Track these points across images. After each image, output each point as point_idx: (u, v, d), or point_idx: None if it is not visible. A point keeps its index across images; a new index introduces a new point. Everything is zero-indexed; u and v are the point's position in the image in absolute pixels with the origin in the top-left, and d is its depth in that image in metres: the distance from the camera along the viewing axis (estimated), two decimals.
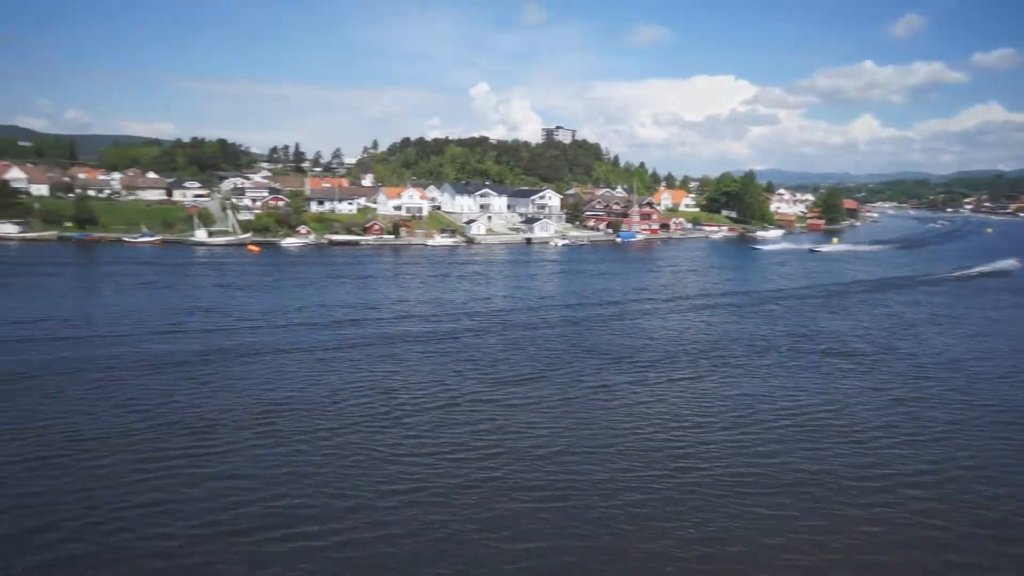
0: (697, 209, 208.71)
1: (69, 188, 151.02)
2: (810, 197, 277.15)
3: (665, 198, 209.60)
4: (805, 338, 55.89)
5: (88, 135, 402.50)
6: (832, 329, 59.97)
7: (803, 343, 54.06)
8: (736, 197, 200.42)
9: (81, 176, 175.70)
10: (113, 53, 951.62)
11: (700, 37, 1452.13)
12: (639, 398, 39.27)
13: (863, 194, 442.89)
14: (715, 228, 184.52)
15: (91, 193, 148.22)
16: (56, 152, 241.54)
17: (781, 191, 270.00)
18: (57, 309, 59.58)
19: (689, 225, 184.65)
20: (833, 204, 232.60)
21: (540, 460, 30.17)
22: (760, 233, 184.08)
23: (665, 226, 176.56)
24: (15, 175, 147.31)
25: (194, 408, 35.08)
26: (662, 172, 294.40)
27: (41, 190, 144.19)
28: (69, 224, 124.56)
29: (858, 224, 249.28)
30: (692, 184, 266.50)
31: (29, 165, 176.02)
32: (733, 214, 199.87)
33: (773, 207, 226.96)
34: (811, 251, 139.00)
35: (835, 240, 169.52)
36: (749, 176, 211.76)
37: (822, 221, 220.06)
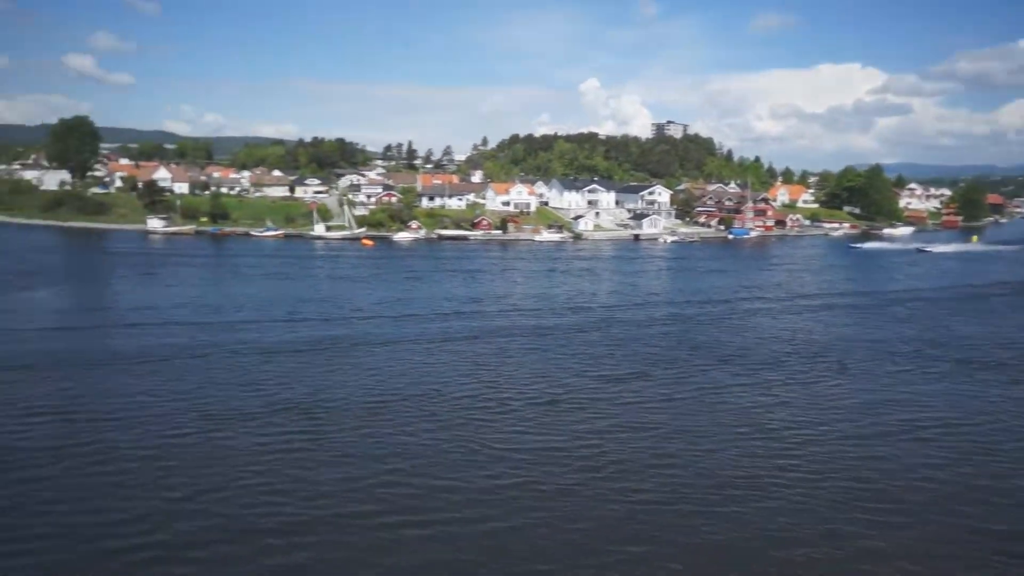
0: (816, 205, 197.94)
1: (205, 186, 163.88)
2: (946, 192, 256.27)
3: (781, 194, 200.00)
4: (935, 344, 51.67)
5: (222, 137, 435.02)
6: (967, 334, 55.13)
7: (933, 349, 50.02)
8: (860, 192, 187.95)
9: (216, 175, 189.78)
10: (246, 61, 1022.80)
11: (826, 23, 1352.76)
12: (751, 401, 37.65)
13: (1011, 188, 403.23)
14: (835, 225, 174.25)
15: (224, 190, 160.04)
16: (195, 153, 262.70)
17: (912, 185, 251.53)
18: (193, 296, 64.65)
19: (807, 222, 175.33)
20: (973, 199, 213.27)
21: (647, 462, 29.46)
22: (887, 230, 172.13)
23: (781, 223, 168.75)
24: (161, 175, 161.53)
25: (310, 393, 36.91)
26: (779, 167, 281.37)
27: (182, 188, 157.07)
28: (204, 219, 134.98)
29: (1004, 221, 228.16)
30: (811, 179, 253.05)
31: (173, 165, 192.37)
32: (856, 210, 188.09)
33: (903, 203, 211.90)
34: (920, 251, 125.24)
35: (974, 238, 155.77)
36: (875, 170, 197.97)
37: (959, 218, 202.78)
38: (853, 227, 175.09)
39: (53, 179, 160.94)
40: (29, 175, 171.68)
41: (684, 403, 37.12)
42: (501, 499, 25.84)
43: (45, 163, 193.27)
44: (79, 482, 26.17)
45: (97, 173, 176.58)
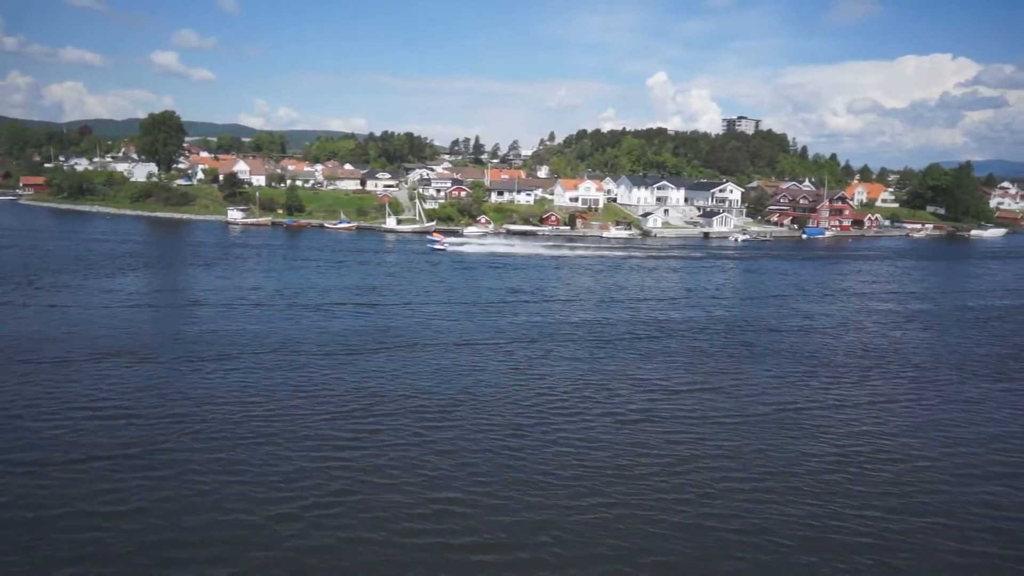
0: (896, 205, 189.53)
1: (281, 179, 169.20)
2: None
3: (859, 192, 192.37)
4: None
5: (294, 130, 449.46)
6: None
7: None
8: (945, 192, 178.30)
9: (290, 168, 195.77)
10: (318, 57, 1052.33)
11: (913, 11, 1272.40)
12: (833, 420, 36.33)
13: None
14: (918, 226, 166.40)
15: (299, 183, 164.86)
16: (270, 147, 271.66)
17: (1005, 184, 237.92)
18: (265, 285, 67.33)
19: (887, 222, 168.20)
20: None
21: (729, 489, 28.17)
22: (975, 232, 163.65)
23: (858, 222, 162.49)
24: (240, 168, 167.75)
25: (363, 394, 37.61)
26: (856, 164, 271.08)
27: (259, 181, 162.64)
28: (280, 211, 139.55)
29: None
30: (891, 177, 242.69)
31: (250, 158, 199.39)
32: (941, 211, 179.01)
33: (994, 203, 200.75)
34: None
35: None
36: (964, 168, 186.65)
37: None
38: (938, 228, 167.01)
39: (142, 171, 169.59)
40: (120, 167, 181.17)
41: (761, 423, 36.18)
42: (552, 518, 25.80)
43: (134, 156, 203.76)
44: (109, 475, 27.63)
45: (181, 165, 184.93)
